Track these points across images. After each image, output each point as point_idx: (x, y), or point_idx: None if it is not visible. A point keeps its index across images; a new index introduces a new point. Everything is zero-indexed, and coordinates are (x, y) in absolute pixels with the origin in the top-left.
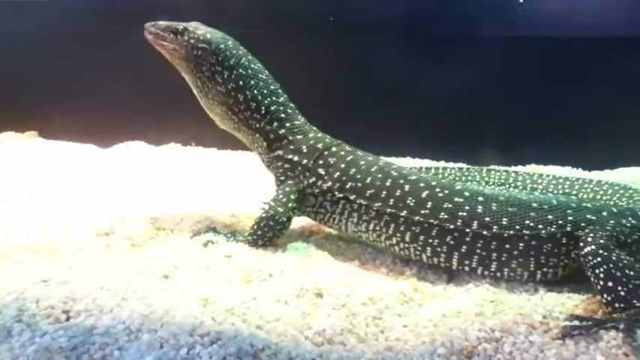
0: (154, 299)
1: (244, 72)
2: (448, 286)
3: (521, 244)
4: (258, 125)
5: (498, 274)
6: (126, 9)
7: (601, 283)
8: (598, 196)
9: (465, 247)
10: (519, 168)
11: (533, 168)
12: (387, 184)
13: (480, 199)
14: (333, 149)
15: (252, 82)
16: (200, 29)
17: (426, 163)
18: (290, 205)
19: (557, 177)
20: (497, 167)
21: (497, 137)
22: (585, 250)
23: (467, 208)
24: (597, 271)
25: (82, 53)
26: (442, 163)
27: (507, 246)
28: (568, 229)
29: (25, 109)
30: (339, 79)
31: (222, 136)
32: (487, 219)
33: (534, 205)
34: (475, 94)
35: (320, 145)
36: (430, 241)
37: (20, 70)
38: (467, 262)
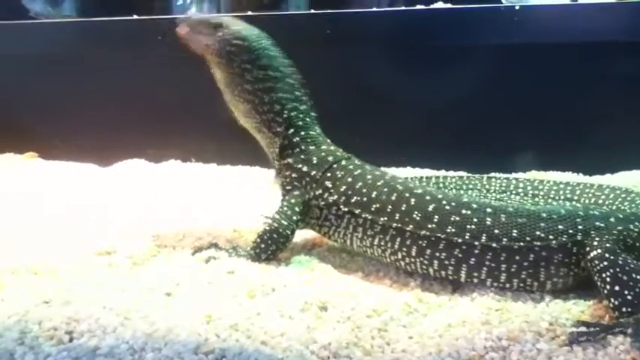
0: (157, 317)
1: (273, 73)
2: (453, 296)
3: (532, 255)
4: (277, 129)
5: (507, 285)
6: (120, 30)
7: (608, 287)
8: (600, 201)
9: (473, 259)
10: (520, 175)
11: (533, 174)
12: (393, 198)
13: (489, 210)
14: (343, 162)
15: (280, 84)
16: (235, 25)
17: (426, 172)
18: (294, 218)
19: (558, 182)
20: (497, 175)
21: (497, 145)
22: (592, 254)
23: (475, 220)
24: (604, 275)
25: (79, 73)
26: (442, 172)
27: (517, 257)
28: (578, 237)
29: (23, 130)
30: (336, 90)
31: (222, 151)
32: (496, 231)
33: (544, 215)
34: (474, 102)
35: (330, 158)
36: (437, 254)
37: (18, 91)
38: (475, 274)
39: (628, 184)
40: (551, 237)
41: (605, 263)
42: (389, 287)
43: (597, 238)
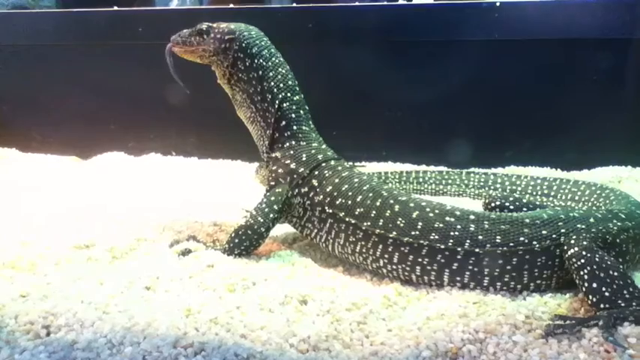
0: (136, 311)
1: (264, 62)
2: (431, 289)
3: (515, 259)
4: (269, 119)
5: (491, 288)
6: (101, 22)
7: (586, 284)
8: (576, 197)
9: (456, 264)
10: (499, 170)
11: (512, 169)
12: (377, 203)
13: (472, 217)
14: (332, 163)
15: (271, 73)
16: (222, 24)
17: (407, 167)
18: (271, 216)
19: (535, 178)
20: (476, 169)
21: (476, 140)
22: (570, 252)
23: (459, 227)
24: (582, 272)
25: (59, 66)
26: (423, 167)
27: (500, 261)
28: (561, 240)
29: (1, 123)
30: (318, 86)
31: (203, 145)
32: (480, 237)
33: (527, 221)
34: (454, 98)
35: (320, 157)
36: (420, 260)
37: None
38: (458, 278)
39: (604, 180)
40: (534, 242)
41: (583, 261)
42: (369, 281)
43: (574, 237)
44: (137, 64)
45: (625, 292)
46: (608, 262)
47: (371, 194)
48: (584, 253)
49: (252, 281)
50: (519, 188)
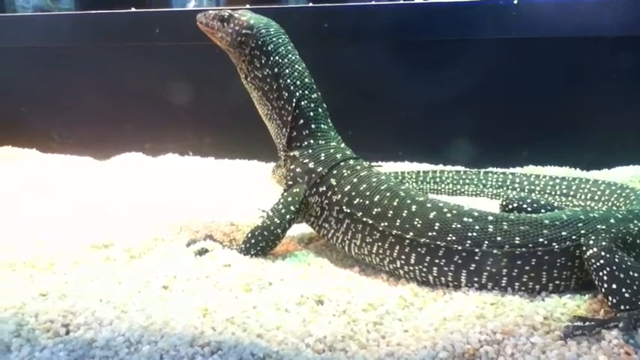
0: (153, 310)
1: (281, 60)
2: (448, 290)
3: (534, 260)
4: (287, 117)
5: (509, 289)
6: (118, 23)
7: (605, 285)
8: (596, 197)
9: (473, 265)
10: (517, 169)
11: (531, 169)
12: (395, 203)
13: (490, 218)
14: (350, 162)
15: (287, 70)
16: (245, 15)
17: (424, 167)
18: (287, 217)
19: (554, 178)
20: (494, 169)
21: (494, 139)
22: (588, 252)
23: (477, 228)
24: (601, 273)
25: (78, 67)
26: (440, 167)
27: (519, 262)
28: (580, 241)
29: (21, 123)
30: (334, 86)
31: (220, 145)
32: (499, 238)
33: (546, 222)
34: (471, 97)
35: (339, 156)
36: (437, 261)
37: (17, 84)
38: (476, 279)
39: (624, 179)
40: (554, 244)
41: (602, 262)
42: (385, 281)
43: (593, 237)
44: (154, 65)
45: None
46: (629, 263)
47: (388, 194)
48: (603, 253)
49: (269, 281)
50: (538, 188)
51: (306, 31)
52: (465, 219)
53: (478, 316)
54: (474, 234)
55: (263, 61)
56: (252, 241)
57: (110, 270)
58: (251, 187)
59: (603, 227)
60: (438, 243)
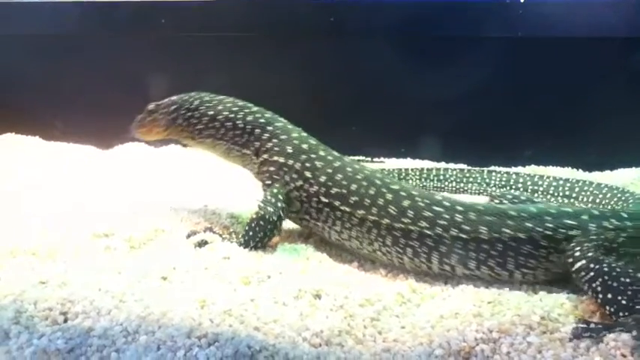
0: (151, 301)
1: (209, 104)
2: (446, 287)
3: (500, 245)
4: (242, 140)
5: (477, 273)
6: (125, 13)
7: (600, 296)
8: (597, 200)
9: (444, 247)
10: (519, 169)
11: (533, 169)
12: (371, 192)
13: (459, 208)
14: (321, 153)
15: (220, 107)
16: (163, 100)
17: (426, 164)
18: (279, 204)
19: (558, 179)
20: (498, 169)
21: (496, 138)
22: (576, 266)
23: (446, 217)
24: (594, 285)
25: (81, 55)
26: (442, 164)
27: (485, 246)
28: (548, 232)
29: (24, 111)
30: (338, 81)
31: None
32: (466, 227)
33: (512, 213)
34: (475, 95)
35: (305, 146)
36: (411, 243)
37: (20, 72)
38: (447, 260)
39: (627, 181)
40: (519, 234)
41: (592, 274)
42: (383, 277)
43: (577, 248)
44: (160, 55)
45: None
46: (618, 269)
47: (365, 183)
48: (591, 265)
49: (267, 274)
50: (541, 189)
51: (312, 25)
52: (436, 207)
53: (475, 314)
54: (444, 222)
55: (198, 115)
56: (251, 233)
57: (110, 259)
58: (252, 179)
59: (574, 223)
60: (412, 228)
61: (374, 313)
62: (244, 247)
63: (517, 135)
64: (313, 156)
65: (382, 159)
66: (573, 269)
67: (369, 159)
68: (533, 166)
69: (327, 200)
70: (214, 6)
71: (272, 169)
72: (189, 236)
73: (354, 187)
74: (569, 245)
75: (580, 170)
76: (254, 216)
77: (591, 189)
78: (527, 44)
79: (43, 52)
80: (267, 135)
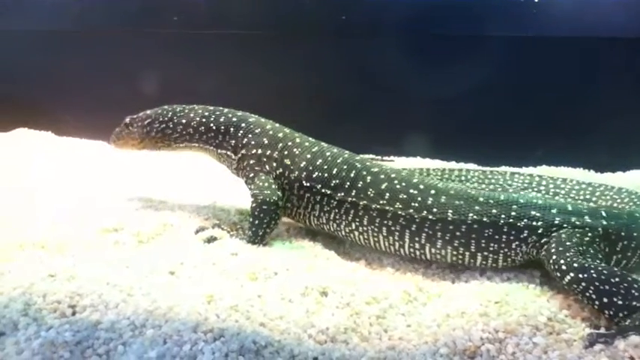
0: (158, 295)
1: (182, 113)
2: (453, 286)
3: (464, 227)
4: (216, 141)
5: (443, 252)
6: (136, 9)
7: (597, 302)
8: (615, 204)
9: (414, 226)
10: (530, 169)
11: (544, 169)
12: (352, 175)
13: (432, 192)
14: (297, 140)
15: (191, 114)
16: (137, 114)
17: (436, 163)
18: (273, 187)
19: (581, 182)
20: (520, 170)
21: (507, 138)
22: (566, 280)
23: (419, 199)
24: (588, 294)
25: (93, 50)
26: (452, 164)
27: (451, 227)
28: (510, 220)
29: (36, 105)
30: (348, 79)
31: None
32: (435, 210)
33: (481, 199)
34: (485, 94)
35: (280, 135)
36: (385, 222)
37: (32, 67)
38: (417, 239)
39: (639, 183)
40: (484, 218)
41: (584, 284)
42: (390, 275)
43: (562, 261)
44: (170, 52)
45: (634, 291)
46: (605, 272)
47: (345, 166)
48: (580, 275)
49: (274, 271)
50: (563, 192)
51: (323, 23)
52: (411, 190)
53: (481, 313)
54: (416, 204)
55: (172, 125)
56: (257, 222)
57: (118, 254)
58: None
59: (537, 214)
60: (387, 208)
61: (380, 311)
62: (253, 238)
63: (528, 135)
64: (290, 143)
65: (392, 158)
66: (564, 282)
67: (379, 157)
68: (544, 166)
69: (308, 184)
70: (225, 3)
71: (252, 161)
72: (197, 232)
73: (335, 170)
74: (549, 256)
75: (592, 171)
76: (253, 205)
77: (611, 194)
78: (539, 43)
79: (55, 47)
80: (242, 132)
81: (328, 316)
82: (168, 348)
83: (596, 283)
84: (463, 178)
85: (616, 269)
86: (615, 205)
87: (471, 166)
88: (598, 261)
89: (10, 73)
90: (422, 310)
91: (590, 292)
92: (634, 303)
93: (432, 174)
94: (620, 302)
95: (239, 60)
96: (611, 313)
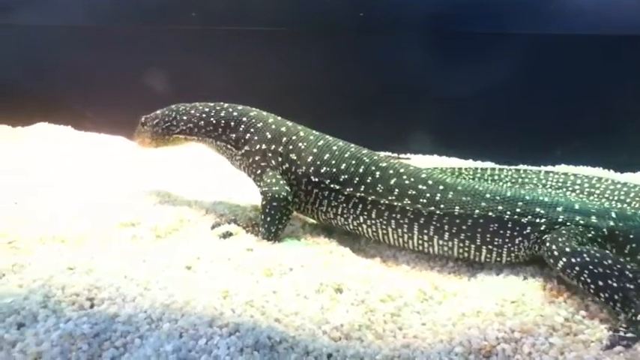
0: (175, 289)
1: (184, 111)
2: (469, 285)
3: (470, 221)
4: (215, 133)
5: (450, 244)
6: (155, 5)
7: (592, 286)
8: None
9: (422, 220)
10: (549, 168)
11: (563, 168)
12: (360, 170)
13: (440, 187)
14: (301, 134)
15: (192, 111)
16: (150, 114)
17: (454, 161)
18: (282, 182)
19: (616, 182)
20: (555, 169)
21: (525, 136)
22: (560, 265)
23: (427, 195)
24: (582, 278)
25: (113, 47)
26: (470, 162)
27: (457, 221)
28: (515, 217)
29: (56, 100)
30: (366, 76)
31: None
32: (442, 205)
33: (487, 195)
34: (503, 92)
35: (284, 129)
36: (394, 216)
37: (53, 63)
38: (425, 231)
39: None
40: (490, 213)
41: (578, 268)
42: (406, 273)
43: (554, 247)
44: (189, 48)
45: (627, 272)
46: (598, 255)
47: (353, 161)
48: (573, 260)
49: (289, 267)
50: (597, 192)
51: (341, 20)
52: (420, 186)
53: (497, 313)
54: (424, 199)
55: (175, 121)
56: (268, 218)
57: (136, 248)
58: None
59: (542, 211)
60: (396, 204)
61: (395, 308)
62: (267, 235)
63: (547, 133)
64: (294, 137)
65: (409, 155)
66: (558, 268)
67: (396, 155)
68: (563, 165)
69: (316, 180)
70: (244, 0)
71: (257, 158)
72: (213, 227)
73: (343, 165)
74: (544, 246)
75: (611, 170)
76: (264, 202)
77: None
78: (559, 41)
79: (76, 43)
80: (244, 126)
81: (343, 312)
82: (184, 342)
83: (591, 267)
84: (496, 177)
85: (608, 252)
86: None
87: (488, 164)
88: (589, 246)
89: (31, 69)
90: (437, 309)
91: (585, 276)
92: (627, 285)
93: (465, 173)
94: (614, 284)
95: (256, 56)
96: (607, 295)
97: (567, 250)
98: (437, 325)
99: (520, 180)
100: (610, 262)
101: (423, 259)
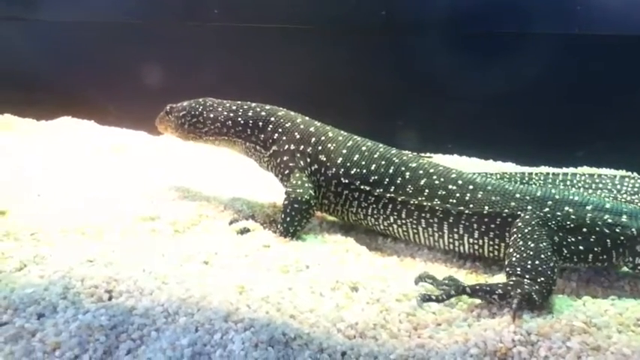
0: (192, 284)
1: (211, 108)
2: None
3: (499, 220)
4: (244, 134)
5: (480, 242)
6: (180, 2)
7: (511, 249)
8: None
9: (452, 218)
10: (570, 169)
11: (585, 170)
12: (390, 171)
13: (470, 187)
14: (330, 135)
15: (220, 108)
16: (175, 105)
17: (473, 161)
18: (307, 185)
19: None
20: (631, 174)
21: (546, 137)
22: (515, 223)
23: (457, 195)
24: (513, 237)
25: (136, 42)
26: (490, 162)
27: (486, 220)
28: (504, 214)
29: (79, 95)
30: (386, 75)
31: None
32: (471, 205)
33: (517, 195)
34: (525, 93)
35: (312, 129)
36: (424, 215)
37: (76, 57)
38: (455, 230)
39: None
40: (519, 212)
41: (514, 229)
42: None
43: (523, 214)
44: (212, 45)
45: (530, 263)
46: (535, 236)
47: (383, 162)
48: (519, 224)
49: (306, 264)
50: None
51: (362, 19)
52: (450, 186)
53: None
54: (454, 200)
55: (202, 119)
56: (288, 218)
57: (155, 242)
58: None
59: (570, 210)
60: (425, 204)
61: (410, 308)
62: (285, 234)
63: (569, 134)
64: (323, 138)
65: (429, 154)
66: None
67: (416, 154)
68: (585, 167)
69: (346, 181)
70: None
71: (285, 158)
72: (231, 223)
73: (373, 166)
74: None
75: (635, 174)
76: (286, 202)
77: None
78: (582, 42)
79: (100, 38)
80: (272, 126)
81: (358, 311)
82: (199, 336)
83: (520, 235)
84: (568, 182)
85: (548, 245)
86: None
87: (509, 164)
88: (547, 237)
89: (55, 63)
90: (453, 310)
91: (514, 238)
92: (517, 269)
93: (535, 178)
94: (514, 259)
95: (279, 54)
96: (507, 261)
97: (527, 217)
98: (452, 325)
99: (594, 185)
100: (532, 244)
101: (440, 260)
